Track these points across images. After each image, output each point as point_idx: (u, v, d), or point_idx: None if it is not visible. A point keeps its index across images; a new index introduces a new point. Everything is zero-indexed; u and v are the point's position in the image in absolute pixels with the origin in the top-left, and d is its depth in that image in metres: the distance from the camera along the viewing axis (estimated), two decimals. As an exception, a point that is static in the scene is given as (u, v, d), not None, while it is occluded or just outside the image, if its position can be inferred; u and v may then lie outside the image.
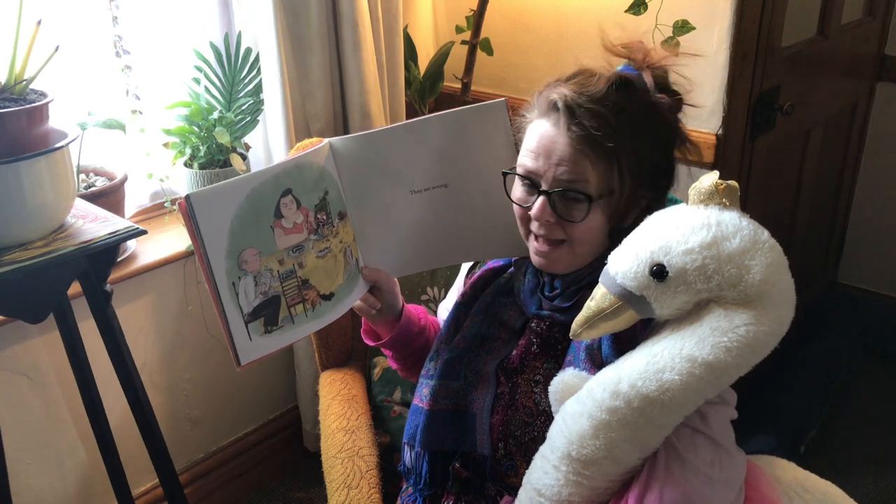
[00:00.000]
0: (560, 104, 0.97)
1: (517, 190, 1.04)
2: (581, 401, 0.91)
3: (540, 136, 0.99)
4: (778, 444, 2.02)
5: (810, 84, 2.04)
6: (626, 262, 0.90)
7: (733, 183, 0.90)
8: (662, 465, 0.89)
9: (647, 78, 1.01)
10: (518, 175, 1.03)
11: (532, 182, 1.01)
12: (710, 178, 0.90)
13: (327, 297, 1.07)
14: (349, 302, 1.11)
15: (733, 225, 0.87)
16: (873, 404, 2.32)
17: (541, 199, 0.99)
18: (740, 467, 0.95)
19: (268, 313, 0.99)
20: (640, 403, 0.86)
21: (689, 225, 0.87)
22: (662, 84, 1.04)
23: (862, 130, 2.47)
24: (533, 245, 1.04)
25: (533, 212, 1.00)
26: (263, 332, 0.99)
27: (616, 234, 0.98)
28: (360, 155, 1.09)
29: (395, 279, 1.17)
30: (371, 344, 1.24)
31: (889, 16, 2.36)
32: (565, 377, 0.96)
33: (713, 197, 0.89)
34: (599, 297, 0.92)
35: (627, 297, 0.89)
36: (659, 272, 0.87)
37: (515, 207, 1.04)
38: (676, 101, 1.05)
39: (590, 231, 0.99)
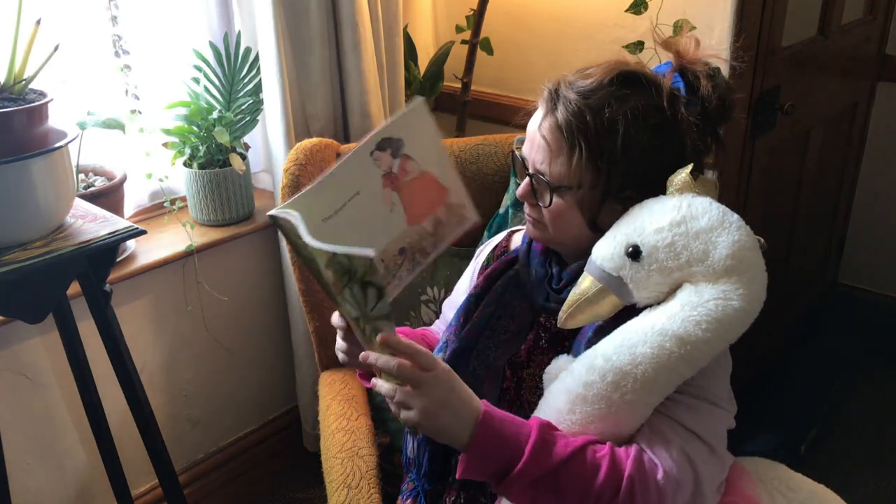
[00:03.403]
0: (546, 92, 1.00)
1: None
2: (562, 378, 0.95)
3: (531, 122, 1.03)
4: (778, 444, 2.02)
5: (810, 84, 2.04)
6: (606, 247, 0.94)
7: (709, 177, 0.95)
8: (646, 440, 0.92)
9: (667, 78, 0.99)
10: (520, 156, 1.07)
11: (525, 164, 1.05)
12: (685, 171, 0.94)
13: None
14: None
15: (703, 207, 0.91)
16: (873, 404, 2.32)
17: (526, 180, 1.03)
18: (723, 469, 0.98)
19: None
20: (613, 377, 0.89)
21: (663, 209, 0.92)
22: (694, 86, 0.99)
23: (862, 130, 2.46)
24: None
25: (518, 190, 1.04)
26: None
27: (597, 226, 1.00)
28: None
29: None
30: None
31: (889, 16, 2.35)
32: (559, 362, 0.99)
33: (687, 187, 0.94)
34: (582, 282, 0.96)
35: (606, 279, 0.93)
36: (634, 252, 0.91)
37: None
38: (712, 107, 0.99)
39: (556, 216, 1.01)
